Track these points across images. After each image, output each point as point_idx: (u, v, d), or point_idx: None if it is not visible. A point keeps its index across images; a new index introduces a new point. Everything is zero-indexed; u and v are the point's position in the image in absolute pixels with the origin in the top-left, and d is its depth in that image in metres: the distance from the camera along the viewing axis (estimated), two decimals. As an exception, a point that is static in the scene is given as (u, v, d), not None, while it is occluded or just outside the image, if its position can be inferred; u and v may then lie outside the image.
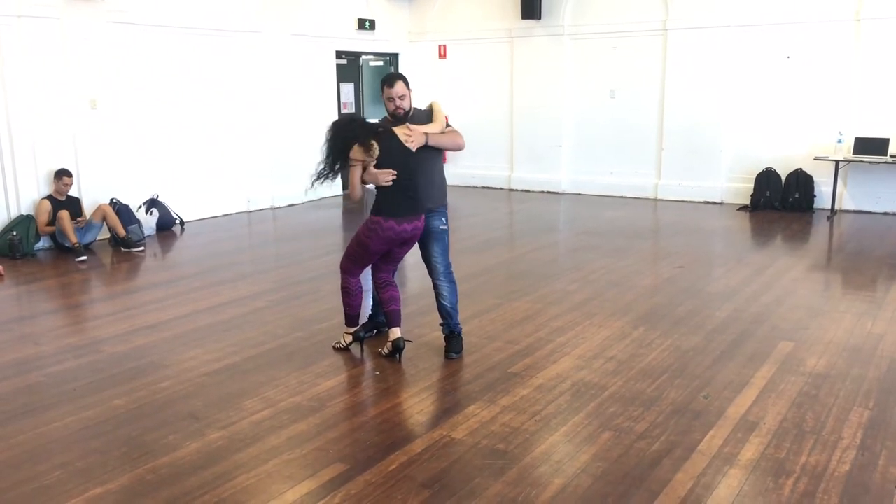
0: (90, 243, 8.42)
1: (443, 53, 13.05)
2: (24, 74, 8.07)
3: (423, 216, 4.68)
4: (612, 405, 4.13)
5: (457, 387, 4.44)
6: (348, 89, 12.43)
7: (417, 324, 5.58)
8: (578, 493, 3.25)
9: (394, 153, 4.56)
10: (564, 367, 4.71)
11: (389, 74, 4.78)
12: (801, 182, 10.18)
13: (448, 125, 4.85)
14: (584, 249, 8.10)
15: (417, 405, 4.19)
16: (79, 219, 8.25)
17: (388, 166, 4.54)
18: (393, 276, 5.01)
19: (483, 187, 12.86)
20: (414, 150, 4.55)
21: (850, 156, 9.63)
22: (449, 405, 4.19)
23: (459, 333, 5.00)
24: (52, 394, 4.41)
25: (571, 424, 3.91)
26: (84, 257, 7.83)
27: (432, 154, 4.77)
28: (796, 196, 10.18)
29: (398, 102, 4.66)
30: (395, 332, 4.85)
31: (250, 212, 10.73)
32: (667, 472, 3.41)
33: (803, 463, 3.47)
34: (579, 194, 11.94)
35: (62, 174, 8.19)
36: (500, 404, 4.16)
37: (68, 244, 7.97)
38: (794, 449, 3.61)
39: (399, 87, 4.64)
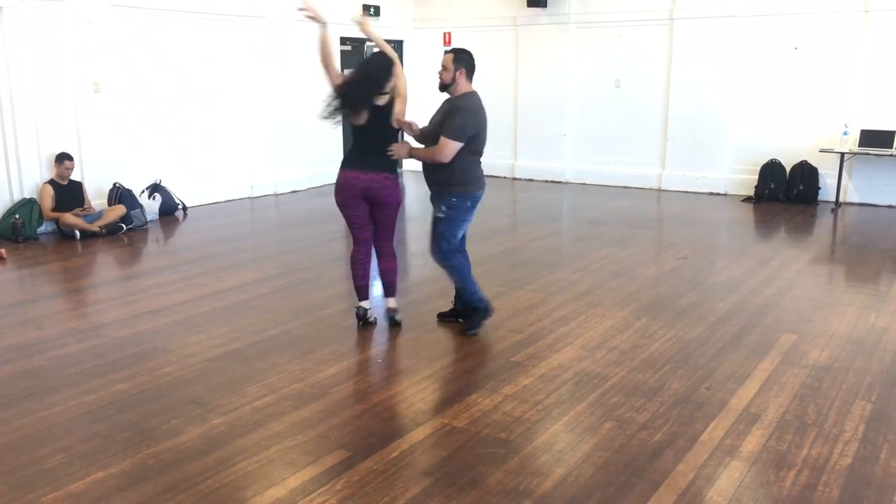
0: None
1: (448, 40, 12.98)
2: (27, 57, 8.04)
3: (375, 175, 4.89)
4: (614, 395, 4.13)
5: (459, 375, 4.44)
6: (352, 76, 12.37)
7: (420, 311, 5.57)
8: (580, 482, 3.25)
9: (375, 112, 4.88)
10: (567, 356, 4.70)
11: (453, 48, 5.07)
12: (806, 174, 10.13)
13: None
14: (588, 239, 8.09)
15: (419, 393, 4.19)
16: (84, 207, 8.26)
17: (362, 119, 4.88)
18: (390, 245, 5.19)
19: (486, 175, 12.79)
20: (394, 158, 4.93)
21: (856, 148, 9.59)
22: (451, 394, 4.19)
23: (474, 306, 5.12)
24: (54, 378, 4.41)
25: (573, 414, 3.91)
26: (122, 229, 8.26)
27: (433, 140, 4.90)
28: (801, 188, 10.14)
29: (441, 71, 4.92)
30: (389, 302, 5.21)
31: (253, 198, 10.72)
32: (668, 462, 3.41)
33: (805, 455, 3.47)
34: (583, 184, 11.90)
35: (63, 158, 8.17)
36: (502, 393, 4.16)
37: (90, 233, 8.03)
38: (795, 441, 3.60)
39: (444, 57, 4.93)
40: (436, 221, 5.00)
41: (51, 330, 5.26)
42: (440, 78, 4.91)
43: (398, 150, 4.92)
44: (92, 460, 3.45)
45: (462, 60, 4.87)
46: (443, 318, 5.35)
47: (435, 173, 4.92)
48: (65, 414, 3.94)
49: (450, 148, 4.75)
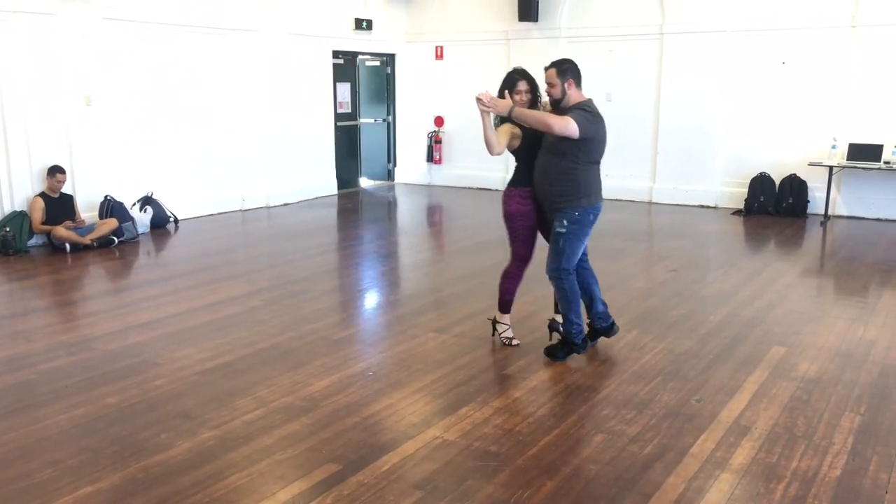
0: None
1: (440, 54, 13.05)
2: (19, 70, 8.04)
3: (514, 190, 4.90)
4: (604, 408, 4.14)
5: (450, 388, 4.44)
6: (344, 89, 12.43)
7: (411, 324, 5.58)
8: (571, 495, 3.26)
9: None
10: (558, 369, 4.71)
11: (553, 61, 4.74)
12: (795, 187, 10.21)
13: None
14: (579, 252, 8.10)
15: (410, 406, 4.19)
16: (75, 220, 8.24)
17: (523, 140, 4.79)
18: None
19: (479, 189, 12.86)
20: (480, 106, 4.54)
21: (844, 162, 9.66)
22: (442, 406, 4.19)
23: (564, 336, 4.86)
24: (43, 391, 4.39)
25: (564, 427, 3.91)
26: (114, 242, 8.25)
27: (547, 148, 4.67)
28: (790, 201, 10.21)
29: (547, 89, 4.71)
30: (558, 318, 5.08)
31: (245, 210, 10.71)
32: (659, 475, 3.42)
33: (794, 468, 3.49)
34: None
35: (55, 171, 8.16)
36: (493, 406, 4.16)
37: (81, 246, 8.02)
38: (785, 454, 3.62)
39: (547, 74, 4.67)
40: (557, 237, 4.67)
41: (40, 343, 5.23)
42: (549, 96, 4.69)
43: (494, 104, 4.51)
44: (81, 474, 3.43)
45: (566, 71, 4.61)
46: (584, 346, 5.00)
47: (555, 184, 4.63)
48: (54, 427, 3.92)
49: (567, 123, 4.40)
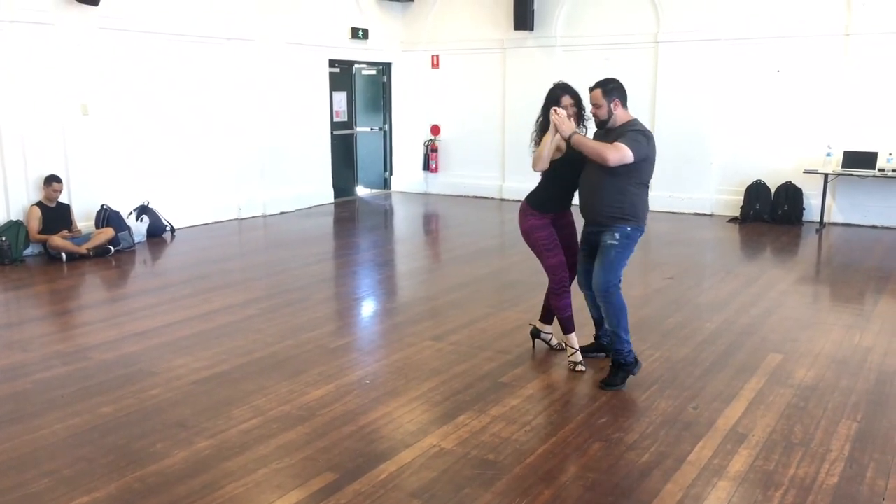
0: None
1: (436, 63, 13.08)
2: (15, 79, 8.04)
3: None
4: (602, 415, 4.14)
5: (447, 396, 4.43)
6: (340, 97, 12.45)
7: (408, 333, 5.57)
8: (569, 503, 3.25)
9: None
10: (555, 377, 4.71)
11: (598, 81, 4.66)
12: (791, 195, 10.24)
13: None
14: (575, 260, 8.11)
15: (407, 415, 4.18)
16: (72, 229, 8.24)
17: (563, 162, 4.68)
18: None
19: (474, 196, 12.87)
20: (556, 130, 4.53)
21: (839, 169, 9.70)
22: (439, 415, 4.19)
23: (615, 358, 4.60)
24: (39, 401, 4.37)
25: (561, 435, 3.91)
26: (110, 252, 8.26)
27: (599, 164, 4.48)
28: (785, 209, 10.24)
29: (593, 110, 4.63)
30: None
31: (241, 219, 10.70)
32: (656, 483, 3.41)
33: (792, 475, 3.49)
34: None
35: (52, 180, 8.16)
36: (490, 414, 4.15)
37: (77, 256, 8.01)
38: (782, 461, 3.62)
39: (592, 95, 4.61)
40: (608, 249, 4.53)
41: (36, 352, 5.22)
42: (596, 117, 4.60)
43: (562, 122, 4.48)
44: (77, 484, 3.42)
45: (612, 91, 4.55)
46: (585, 352, 4.93)
47: (604, 204, 4.52)
48: (50, 437, 3.90)
49: (623, 153, 4.35)
